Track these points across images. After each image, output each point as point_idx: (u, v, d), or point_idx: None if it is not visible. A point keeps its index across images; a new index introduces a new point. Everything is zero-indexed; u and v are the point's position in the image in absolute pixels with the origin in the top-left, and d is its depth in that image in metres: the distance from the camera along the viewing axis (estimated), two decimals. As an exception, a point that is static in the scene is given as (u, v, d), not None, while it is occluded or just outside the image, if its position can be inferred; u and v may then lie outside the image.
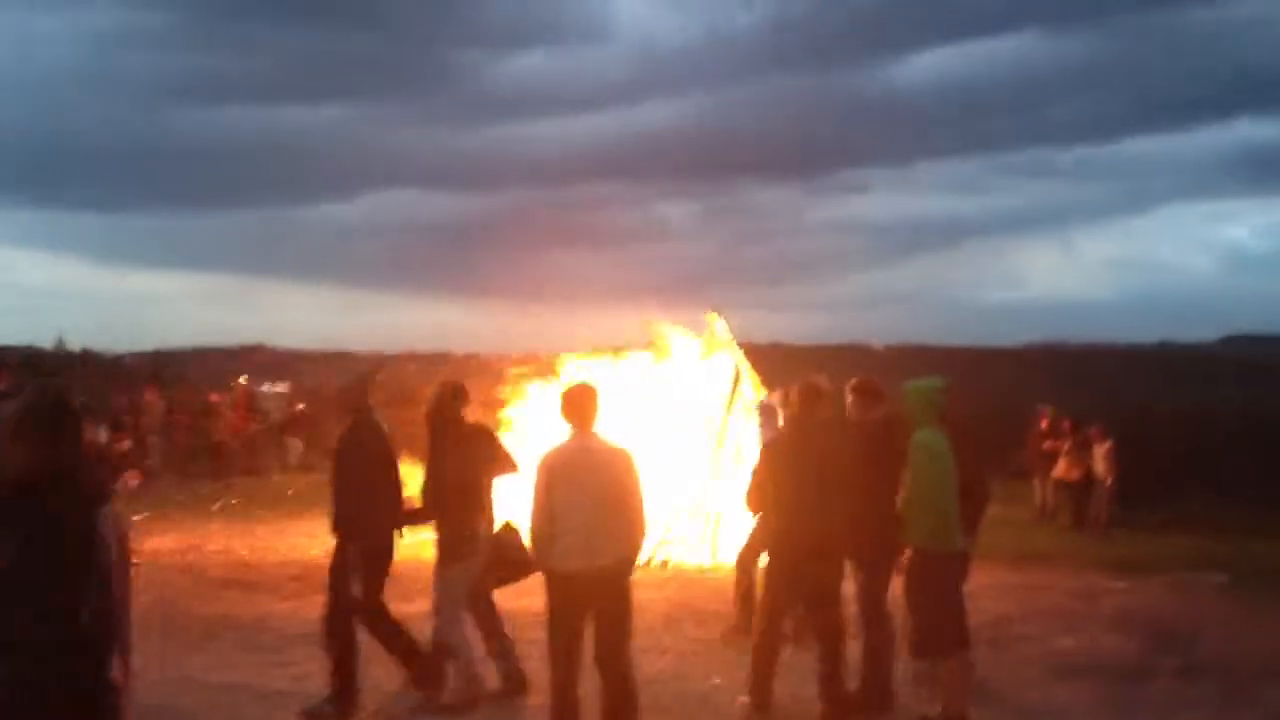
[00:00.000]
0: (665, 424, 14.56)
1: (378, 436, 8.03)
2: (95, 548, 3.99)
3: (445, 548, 8.01)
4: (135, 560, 4.28)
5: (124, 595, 4.13)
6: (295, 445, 25.76)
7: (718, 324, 15.82)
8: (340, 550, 7.94)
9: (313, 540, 13.99)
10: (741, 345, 15.80)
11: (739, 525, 11.46)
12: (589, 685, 6.95)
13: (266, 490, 20.91)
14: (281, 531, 16.36)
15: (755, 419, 12.61)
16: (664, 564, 13.88)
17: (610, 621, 6.83)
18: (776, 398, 11.77)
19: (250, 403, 26.87)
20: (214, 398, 25.99)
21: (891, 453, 7.68)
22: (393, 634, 8.06)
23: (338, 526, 7.95)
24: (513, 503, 8.57)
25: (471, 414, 8.57)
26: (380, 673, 8.18)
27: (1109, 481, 18.94)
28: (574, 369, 15.41)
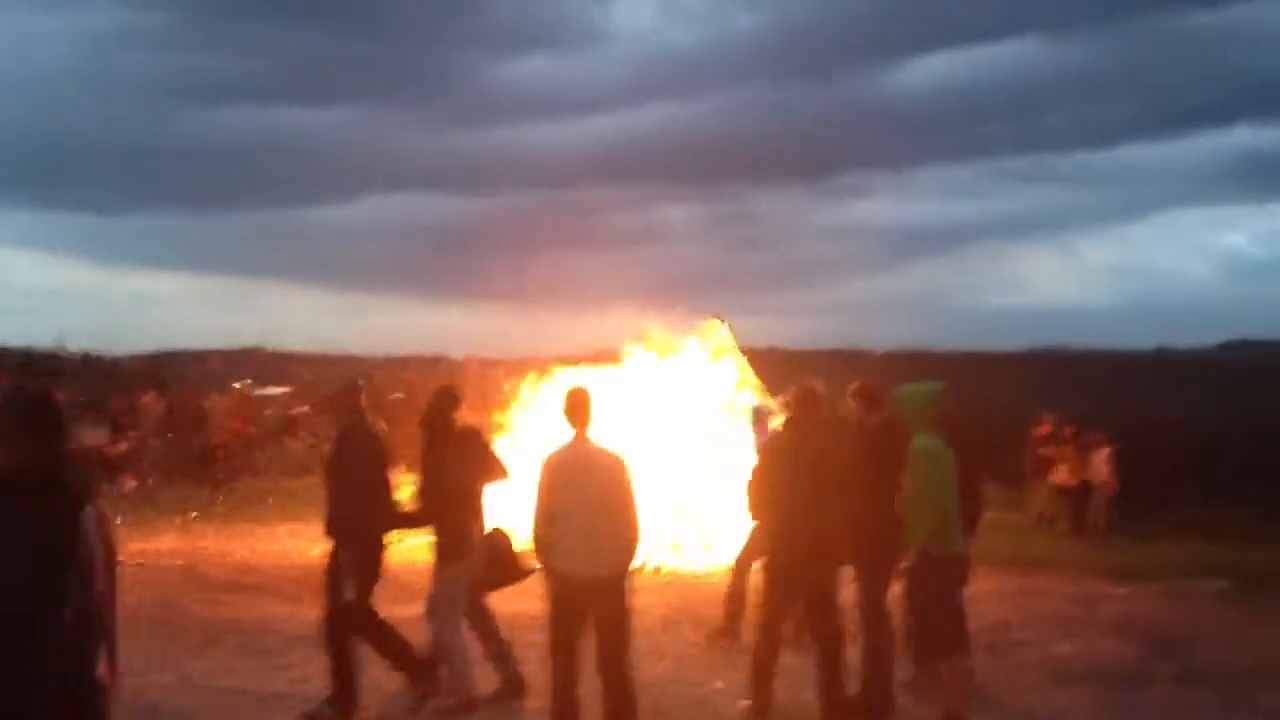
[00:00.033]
0: (665, 428, 14.58)
1: (371, 440, 8.05)
2: (78, 547, 3.97)
3: (442, 550, 8.04)
4: (120, 560, 4.27)
5: (110, 594, 4.11)
6: (296, 448, 25.75)
7: (718, 329, 15.85)
8: (335, 553, 7.96)
9: (312, 543, 13.98)
10: (741, 350, 15.84)
11: (737, 529, 11.48)
12: (589, 688, 6.97)
13: (266, 493, 20.90)
14: (281, 534, 16.37)
15: (749, 423, 12.65)
16: (657, 570, 13.88)
17: (610, 625, 6.85)
18: (780, 402, 11.79)
19: (250, 405, 26.85)
20: (212, 400, 25.96)
21: (891, 457, 7.69)
22: (383, 636, 8.06)
23: (331, 529, 7.97)
24: (503, 507, 8.61)
25: (470, 417, 8.60)
26: (380, 674, 8.18)
27: (1109, 488, 18.95)
28: (573, 373, 15.42)
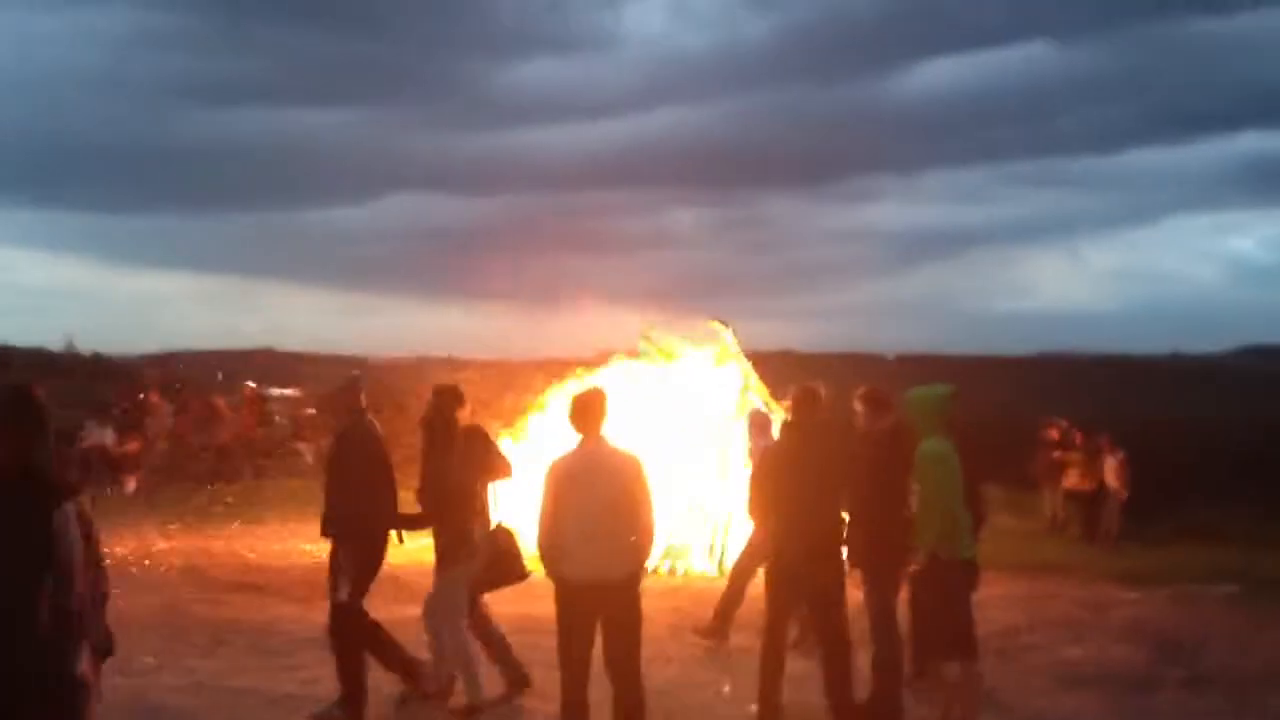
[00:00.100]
0: (672, 432, 14.56)
1: (371, 439, 8.03)
2: (54, 545, 3.94)
3: (444, 551, 8.02)
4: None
5: (95, 592, 4.08)
6: (306, 450, 25.73)
7: (725, 333, 15.84)
8: (335, 553, 7.96)
9: (319, 544, 13.96)
10: (749, 354, 15.82)
11: (744, 533, 11.49)
12: (597, 692, 6.95)
13: (273, 494, 20.90)
14: (289, 535, 16.36)
15: (745, 428, 12.66)
16: (671, 572, 13.89)
17: (620, 630, 6.81)
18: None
19: (258, 407, 26.84)
20: (220, 401, 25.96)
21: (899, 461, 7.68)
22: (374, 637, 8.04)
23: (329, 528, 7.95)
24: (509, 506, 8.60)
25: (476, 418, 8.60)
26: (383, 676, 8.16)
27: (1120, 493, 18.92)
28: (582, 376, 15.41)
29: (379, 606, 8.41)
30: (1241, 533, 18.10)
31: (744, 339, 15.98)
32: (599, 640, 6.84)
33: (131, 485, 21.86)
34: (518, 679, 8.28)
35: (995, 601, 11.17)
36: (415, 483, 8.45)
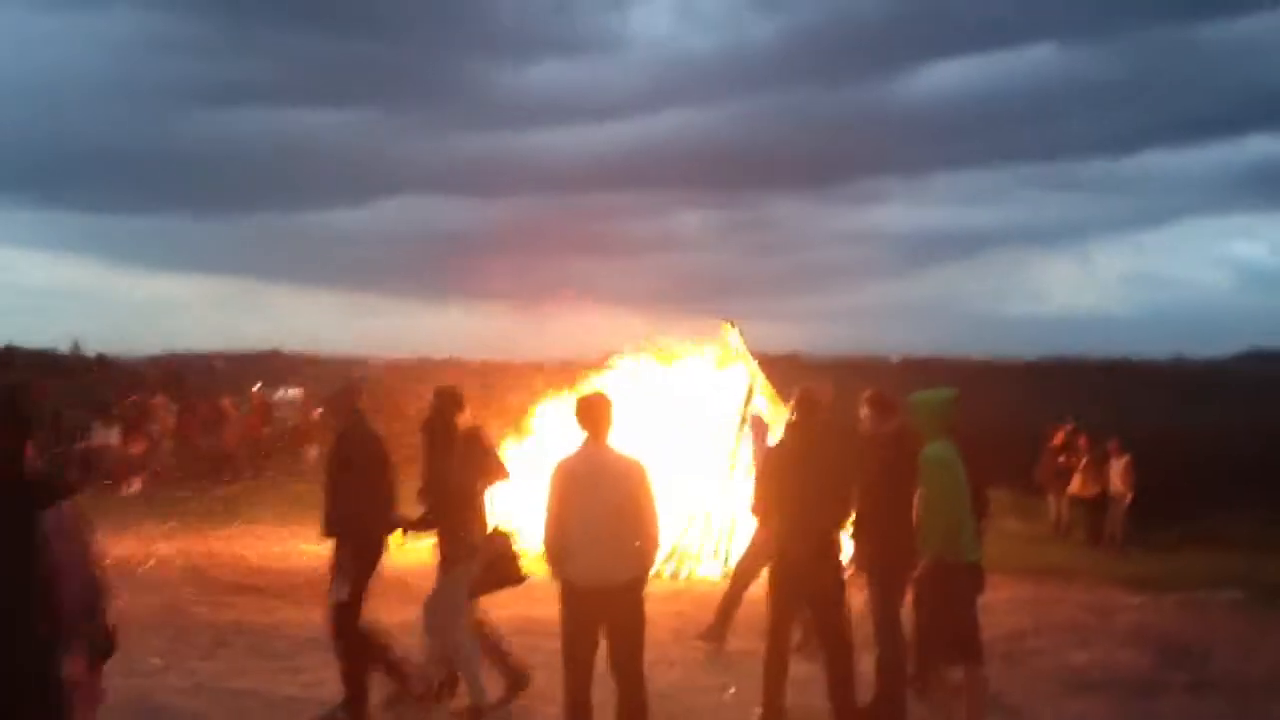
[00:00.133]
0: (677, 435, 14.55)
1: (371, 440, 8.02)
2: (36, 550, 3.90)
3: (445, 552, 8.00)
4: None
5: (91, 593, 4.05)
6: (312, 452, 25.71)
7: (731, 335, 15.82)
8: (335, 553, 7.94)
9: (323, 546, 13.97)
10: (756, 356, 15.80)
11: (747, 536, 11.47)
12: (601, 695, 6.93)
13: (277, 496, 20.89)
14: (292, 537, 16.35)
15: (747, 431, 12.63)
16: (674, 575, 13.87)
17: (624, 633, 6.79)
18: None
19: (264, 409, 26.86)
20: (225, 403, 25.99)
21: (905, 465, 7.66)
22: (367, 639, 8.00)
23: (329, 529, 7.93)
24: (508, 508, 8.58)
25: (478, 420, 8.58)
26: (379, 677, 8.13)
27: (1126, 498, 18.88)
28: (588, 379, 15.40)
29: (384, 608, 8.40)
30: (1247, 538, 18.08)
31: (751, 341, 15.97)
32: (602, 643, 6.82)
33: (135, 486, 21.90)
34: (517, 679, 8.26)
35: (1001, 605, 11.14)
36: (417, 484, 8.43)
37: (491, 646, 8.32)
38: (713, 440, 14.90)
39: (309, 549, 14.86)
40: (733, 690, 8.74)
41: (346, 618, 7.82)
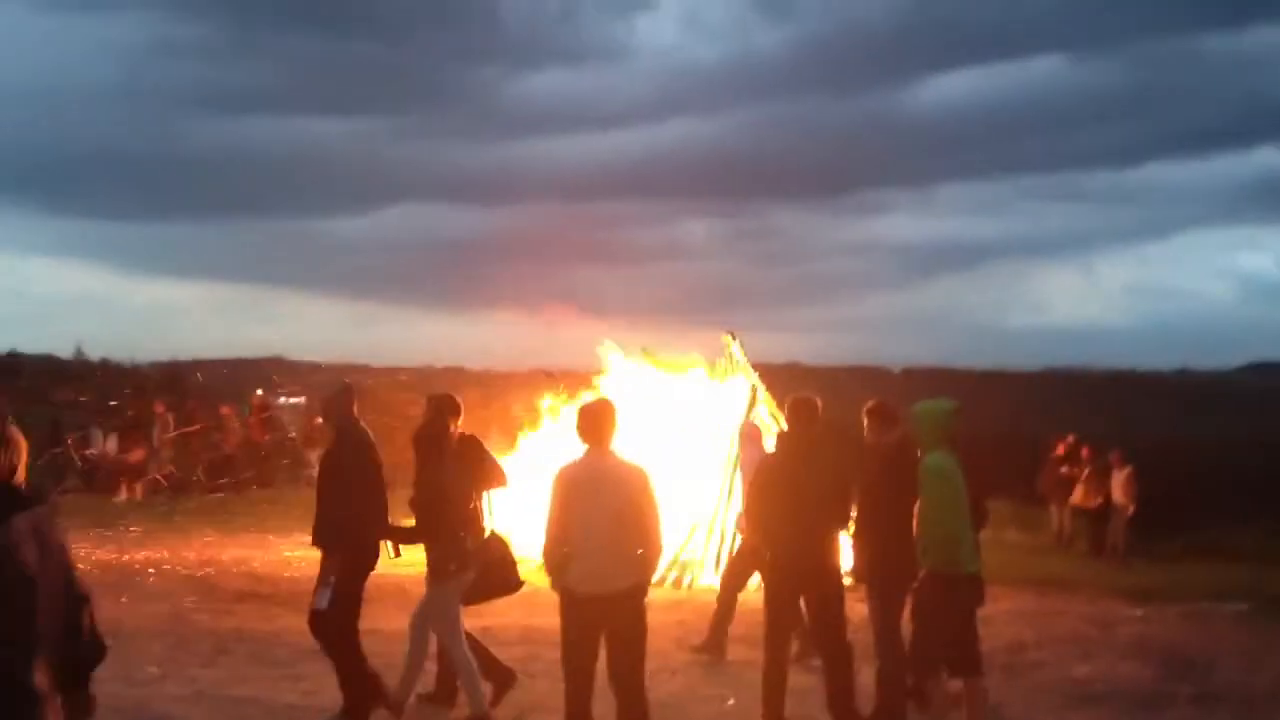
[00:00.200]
0: (678, 444, 14.54)
1: (365, 446, 7.98)
2: (6, 558, 3.80)
3: (437, 563, 7.94)
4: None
5: (64, 603, 4.00)
6: (314, 458, 25.65)
7: (733, 346, 15.82)
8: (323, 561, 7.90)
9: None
10: (759, 366, 15.79)
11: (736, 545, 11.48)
12: (602, 705, 6.90)
13: (278, 503, 20.88)
14: (294, 544, 16.31)
15: (737, 440, 12.62)
16: (676, 584, 13.86)
17: (625, 642, 6.76)
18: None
19: (266, 415, 26.83)
20: (225, 409, 25.97)
21: (906, 475, 7.65)
22: (352, 644, 7.96)
23: (319, 537, 7.88)
24: (506, 515, 8.54)
25: (484, 429, 8.55)
26: (393, 684, 8.12)
27: (1128, 509, 18.86)
28: (591, 387, 15.39)
29: (382, 615, 8.38)
30: (1251, 550, 18.05)
31: (754, 351, 15.97)
32: (603, 652, 6.80)
33: (137, 492, 21.89)
34: (503, 678, 8.21)
35: (1002, 617, 11.12)
36: (409, 492, 8.38)
37: (475, 651, 8.29)
38: (715, 448, 14.88)
39: (310, 556, 14.86)
40: (732, 701, 8.72)
41: (327, 625, 7.77)
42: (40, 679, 3.87)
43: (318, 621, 7.81)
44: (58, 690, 3.95)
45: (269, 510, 19.86)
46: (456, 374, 32.72)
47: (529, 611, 10.50)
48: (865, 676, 8.01)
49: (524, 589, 8.48)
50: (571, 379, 17.20)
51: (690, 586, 13.90)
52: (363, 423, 8.11)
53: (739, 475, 12.47)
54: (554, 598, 6.90)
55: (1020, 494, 20.20)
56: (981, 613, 7.66)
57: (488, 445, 8.82)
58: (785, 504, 7.75)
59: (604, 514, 6.64)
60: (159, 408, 24.59)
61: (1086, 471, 19.71)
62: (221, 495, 22.12)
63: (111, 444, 23.01)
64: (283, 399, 29.93)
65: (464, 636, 8.06)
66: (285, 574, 14.24)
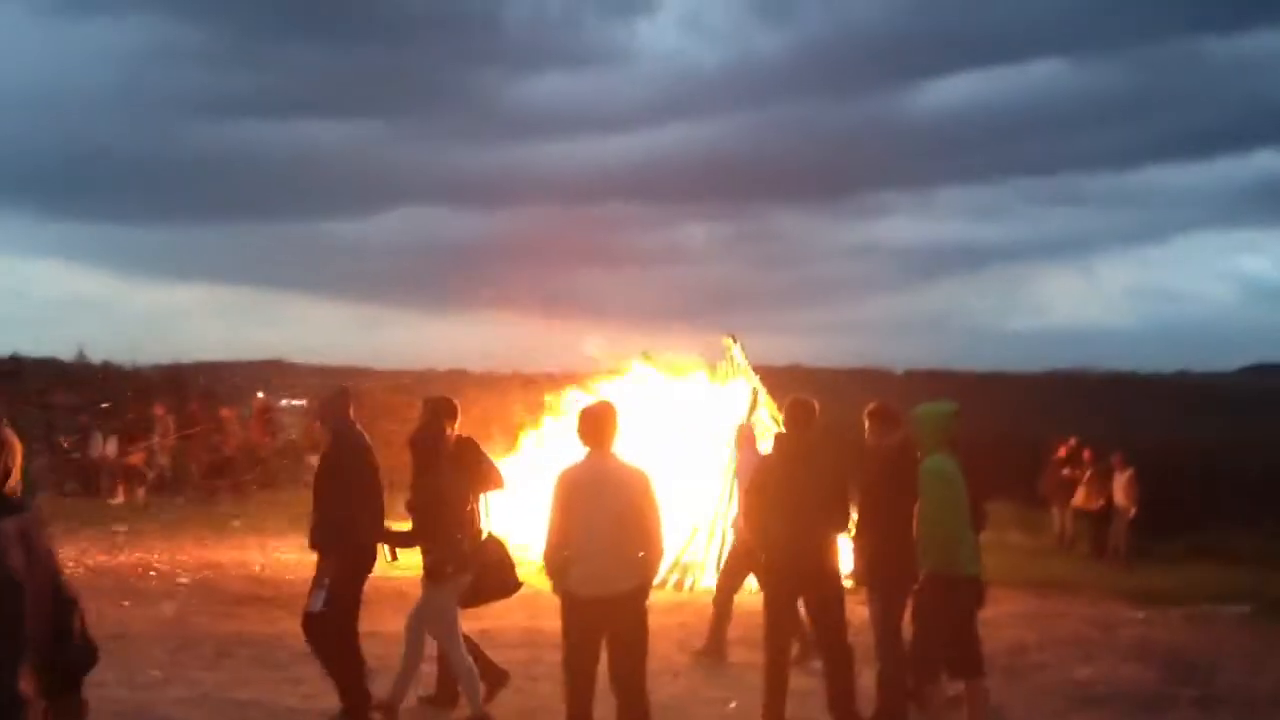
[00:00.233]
0: (680, 447, 14.54)
1: (362, 449, 7.97)
2: None
3: (434, 565, 7.92)
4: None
5: (51, 607, 3.98)
6: (315, 462, 25.60)
7: (734, 348, 15.82)
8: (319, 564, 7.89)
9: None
10: (760, 369, 15.79)
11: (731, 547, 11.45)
12: (603, 707, 6.90)
13: (279, 505, 20.88)
14: (295, 547, 16.31)
15: (733, 442, 12.62)
16: (678, 586, 13.85)
17: (626, 645, 6.75)
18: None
19: (267, 418, 26.83)
20: (226, 412, 25.96)
21: (907, 477, 7.64)
22: (345, 652, 7.95)
23: (316, 539, 7.86)
24: (504, 517, 8.53)
25: (484, 431, 8.54)
26: (386, 683, 8.11)
27: (1130, 511, 18.84)
28: (590, 390, 15.39)
29: (380, 618, 8.37)
30: (1253, 552, 18.02)
31: (755, 353, 15.97)
32: (605, 655, 6.79)
33: (136, 495, 21.89)
34: (495, 677, 8.20)
35: (1004, 619, 11.11)
36: (405, 495, 8.37)
37: (468, 649, 8.28)
38: (716, 451, 14.88)
39: (312, 559, 14.86)
40: (734, 704, 8.71)
41: (321, 627, 7.76)
42: (26, 684, 3.85)
43: (311, 624, 7.81)
44: (44, 695, 3.93)
45: (270, 513, 19.86)
46: (459, 376, 32.64)
47: (530, 614, 10.50)
48: (866, 679, 8.01)
49: (525, 591, 8.49)
50: (572, 380, 17.18)
51: (691, 589, 13.90)
52: (359, 426, 8.10)
53: (733, 476, 12.47)
54: (555, 600, 6.89)
55: (1022, 496, 20.18)
56: (983, 615, 7.65)
57: (488, 448, 8.81)
58: (783, 506, 7.74)
59: (605, 516, 6.63)
60: (159, 410, 24.59)
61: (1088, 474, 19.70)
62: (222, 497, 22.13)
63: (111, 446, 23.00)
64: (284, 401, 29.95)
65: (461, 639, 8.08)
66: (286, 577, 14.22)
